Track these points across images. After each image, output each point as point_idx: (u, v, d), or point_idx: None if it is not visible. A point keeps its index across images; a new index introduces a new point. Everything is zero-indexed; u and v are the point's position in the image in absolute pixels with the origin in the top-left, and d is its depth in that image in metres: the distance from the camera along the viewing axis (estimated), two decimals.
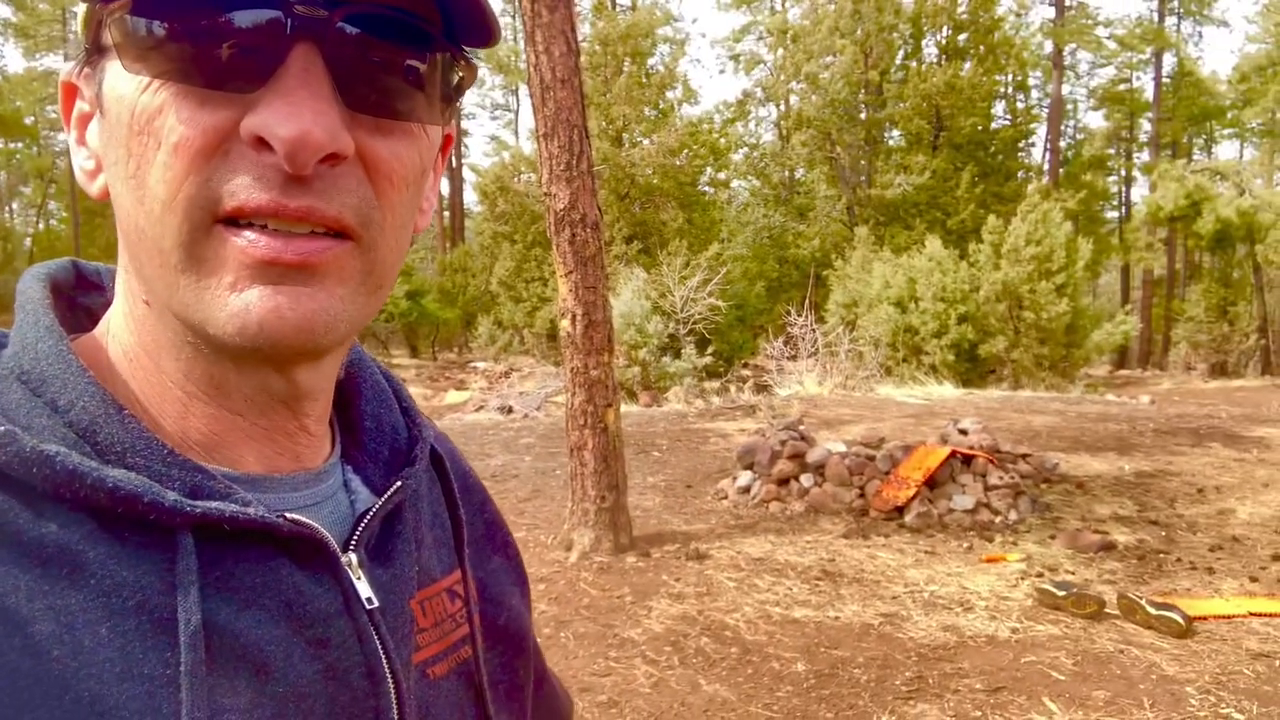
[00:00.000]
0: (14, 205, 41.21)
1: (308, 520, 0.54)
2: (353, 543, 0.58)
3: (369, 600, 0.57)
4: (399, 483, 0.63)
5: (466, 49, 0.56)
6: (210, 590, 0.49)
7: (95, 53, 0.51)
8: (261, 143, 0.47)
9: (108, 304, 0.60)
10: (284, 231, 0.48)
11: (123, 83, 0.49)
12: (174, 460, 0.51)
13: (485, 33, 0.55)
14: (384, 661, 0.57)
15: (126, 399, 0.53)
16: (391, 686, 0.57)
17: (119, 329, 0.55)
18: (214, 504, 0.50)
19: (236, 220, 0.48)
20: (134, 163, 0.49)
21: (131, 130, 0.48)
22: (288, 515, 0.53)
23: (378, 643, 0.57)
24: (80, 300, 0.60)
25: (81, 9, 0.51)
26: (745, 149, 34.77)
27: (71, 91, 0.56)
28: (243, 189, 0.47)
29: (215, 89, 0.47)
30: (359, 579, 0.57)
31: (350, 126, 0.49)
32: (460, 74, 0.56)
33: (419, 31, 0.52)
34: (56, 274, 0.60)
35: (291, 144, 0.46)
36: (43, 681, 0.44)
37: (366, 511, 0.61)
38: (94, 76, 0.52)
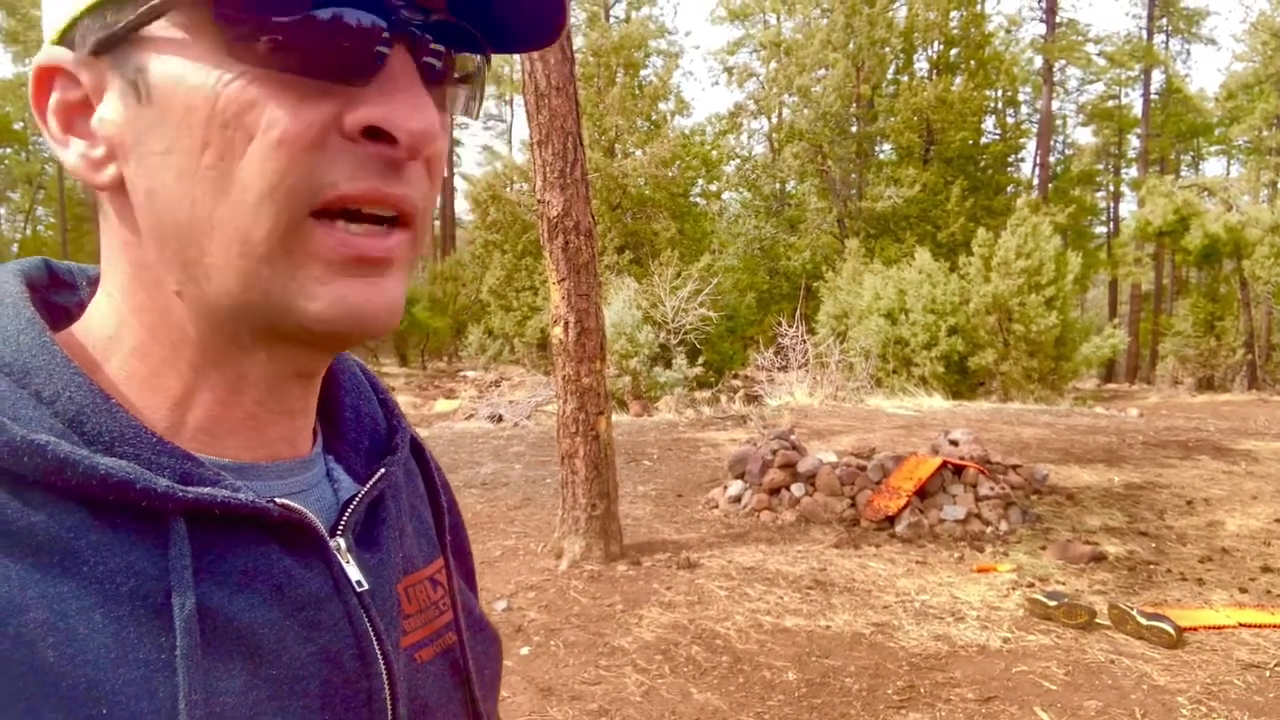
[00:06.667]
0: (1, 210, 41.01)
1: (297, 505, 0.55)
2: (340, 527, 0.59)
3: (359, 583, 0.58)
4: (383, 469, 0.65)
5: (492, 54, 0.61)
6: (203, 575, 0.50)
7: (123, 40, 0.49)
8: (369, 134, 0.50)
9: (81, 303, 0.60)
10: (372, 219, 0.52)
11: (194, 72, 0.48)
12: (163, 448, 0.51)
13: (551, 28, 0.58)
14: (375, 643, 0.57)
15: (111, 390, 0.53)
16: (383, 668, 0.58)
17: (104, 321, 0.55)
18: (205, 489, 0.51)
19: (328, 210, 0.50)
20: (213, 153, 0.48)
21: (212, 122, 0.48)
22: (277, 500, 0.54)
23: (368, 624, 0.58)
24: (54, 299, 0.60)
25: None
26: (737, 161, 34.88)
27: (48, 79, 0.52)
28: (345, 179, 0.50)
29: (321, 81, 0.49)
30: (348, 563, 0.58)
31: None
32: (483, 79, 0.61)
33: (471, 37, 0.56)
34: (30, 272, 0.59)
35: (418, 136, 0.50)
36: (37, 670, 0.44)
37: (353, 497, 0.62)
38: (116, 63, 0.50)
